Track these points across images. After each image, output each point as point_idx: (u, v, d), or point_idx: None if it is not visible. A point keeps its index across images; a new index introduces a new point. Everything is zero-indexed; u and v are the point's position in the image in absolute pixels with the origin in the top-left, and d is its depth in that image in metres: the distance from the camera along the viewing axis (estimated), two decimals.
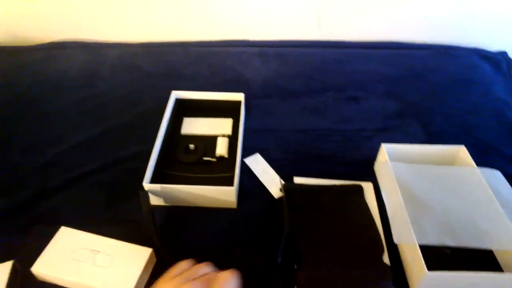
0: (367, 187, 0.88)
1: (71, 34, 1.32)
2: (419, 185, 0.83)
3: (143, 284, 0.69)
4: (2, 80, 1.15)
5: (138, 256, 0.70)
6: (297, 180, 0.88)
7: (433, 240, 0.71)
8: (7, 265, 0.71)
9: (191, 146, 0.95)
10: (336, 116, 1.07)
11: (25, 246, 0.75)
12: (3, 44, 1.32)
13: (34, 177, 0.89)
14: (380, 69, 1.25)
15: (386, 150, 0.88)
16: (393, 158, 0.87)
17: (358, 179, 0.89)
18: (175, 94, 1.03)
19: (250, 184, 0.88)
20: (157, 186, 0.80)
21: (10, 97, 1.09)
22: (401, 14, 1.33)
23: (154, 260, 0.73)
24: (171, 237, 0.78)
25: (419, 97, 1.16)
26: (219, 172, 0.90)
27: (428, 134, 1.03)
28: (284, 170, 0.91)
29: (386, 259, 0.73)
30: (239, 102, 1.03)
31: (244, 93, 1.03)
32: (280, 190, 0.86)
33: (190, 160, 0.92)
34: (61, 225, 0.75)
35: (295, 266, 0.72)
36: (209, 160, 0.92)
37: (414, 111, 1.10)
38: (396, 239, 0.73)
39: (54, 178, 0.88)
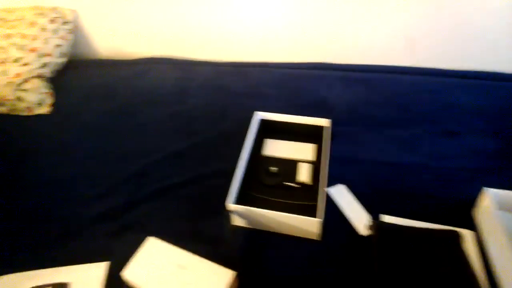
0: (467, 235, 0.79)
1: (166, 51, 1.41)
2: None
3: None
4: (104, 91, 1.26)
5: (221, 278, 0.70)
6: (385, 218, 0.83)
7: None
8: (103, 266, 0.76)
9: (273, 168, 0.95)
10: (430, 151, 0.99)
11: (116, 251, 0.80)
12: (106, 58, 1.46)
13: (126, 185, 0.95)
14: (479, 101, 1.14)
15: (490, 196, 0.79)
16: (498, 205, 0.78)
17: (453, 224, 0.81)
18: (259, 115, 1.04)
19: (333, 215, 0.84)
20: (241, 208, 0.80)
21: (110, 107, 1.19)
22: (503, 42, 1.21)
23: (236, 283, 0.72)
24: (252, 261, 0.77)
25: None
26: (301, 199, 0.87)
27: None
28: (369, 205, 0.86)
29: None
30: (323, 128, 1.01)
31: (328, 118, 1.01)
32: (369, 228, 0.81)
33: (271, 183, 0.92)
34: (149, 236, 0.79)
35: None
36: (291, 186, 0.91)
37: None
38: None
39: (143, 188, 0.93)
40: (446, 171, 0.93)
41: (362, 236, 0.80)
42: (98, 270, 0.76)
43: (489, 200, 0.78)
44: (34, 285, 0.74)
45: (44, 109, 1.20)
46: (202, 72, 1.31)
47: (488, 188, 0.80)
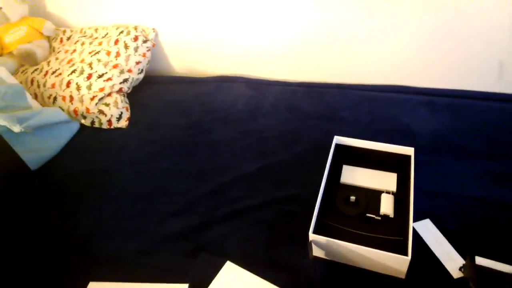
0: None
1: (238, 70, 1.44)
2: None
3: None
4: (178, 107, 1.30)
5: None
6: (481, 261, 0.75)
7: None
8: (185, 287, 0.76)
9: (352, 198, 0.90)
10: None
11: (191, 272, 0.80)
12: (180, 75, 1.51)
13: (201, 204, 0.95)
14: None
15: None
16: None
17: None
18: (336, 140, 1.01)
19: (420, 253, 0.78)
20: (323, 239, 0.77)
21: (185, 124, 1.22)
22: None
23: None
24: None
25: None
26: (383, 233, 0.82)
27: None
28: (459, 244, 0.79)
29: None
30: (406, 156, 0.95)
31: (410, 145, 0.95)
32: (461, 269, 0.74)
33: (351, 213, 0.87)
34: (226, 259, 0.78)
35: None
36: (373, 218, 0.86)
37: None
38: None
39: (218, 208, 0.94)
40: None
41: (453, 279, 0.74)
42: None
43: None
44: None
45: (123, 123, 1.27)
46: (274, 91, 1.31)
47: None
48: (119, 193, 1.02)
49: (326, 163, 0.93)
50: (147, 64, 1.41)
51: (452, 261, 0.76)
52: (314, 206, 0.83)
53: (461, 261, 0.76)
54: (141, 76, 1.40)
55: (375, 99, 1.22)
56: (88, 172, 1.10)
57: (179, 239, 0.88)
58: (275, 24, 1.30)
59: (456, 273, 0.74)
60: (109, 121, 1.26)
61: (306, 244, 0.79)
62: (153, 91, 1.39)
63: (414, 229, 0.83)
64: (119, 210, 0.97)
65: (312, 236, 0.78)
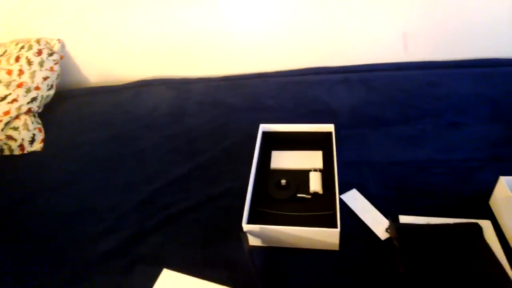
0: (486, 226, 0.77)
1: (157, 71, 1.39)
2: None
3: None
4: (97, 119, 1.23)
5: None
6: (404, 219, 0.81)
7: None
8: None
9: (283, 181, 0.92)
10: (438, 145, 0.97)
11: (130, 286, 0.77)
12: (96, 85, 1.42)
13: (132, 216, 0.91)
14: (480, 89, 1.13)
15: (507, 184, 0.77)
16: None
17: (471, 216, 0.79)
18: (262, 127, 1.02)
19: (350, 222, 0.82)
20: (256, 227, 0.77)
21: (107, 136, 1.15)
22: (494, 28, 1.21)
23: None
24: (273, 281, 0.74)
25: None
26: (315, 210, 0.85)
27: None
28: (386, 208, 0.84)
29: None
30: (328, 133, 0.98)
31: (331, 123, 0.98)
32: (387, 231, 0.79)
33: (283, 197, 0.89)
34: (163, 267, 0.75)
35: None
36: (303, 197, 0.88)
37: None
38: None
39: (151, 217, 0.90)
40: (456, 164, 0.92)
41: (381, 241, 0.78)
42: None
43: (504, 188, 0.76)
44: None
45: (37, 146, 1.16)
46: (196, 89, 1.28)
47: (504, 177, 0.78)
48: (41, 222, 0.93)
49: (254, 155, 0.93)
50: (56, 79, 1.30)
51: (379, 224, 0.81)
52: (245, 203, 0.82)
53: (387, 224, 0.81)
54: (52, 92, 1.29)
55: (295, 83, 1.25)
56: (3, 205, 0.99)
57: (112, 257, 0.83)
58: (188, 18, 1.26)
59: (383, 235, 0.79)
60: (21, 146, 1.15)
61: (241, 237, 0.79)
62: (68, 106, 1.29)
63: (342, 201, 0.86)
64: (43, 240, 0.89)
65: (245, 227, 0.78)
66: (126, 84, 1.37)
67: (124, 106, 1.25)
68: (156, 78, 1.37)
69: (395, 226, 0.76)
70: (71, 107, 1.28)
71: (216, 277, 0.71)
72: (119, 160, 1.07)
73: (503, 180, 0.78)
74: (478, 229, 0.76)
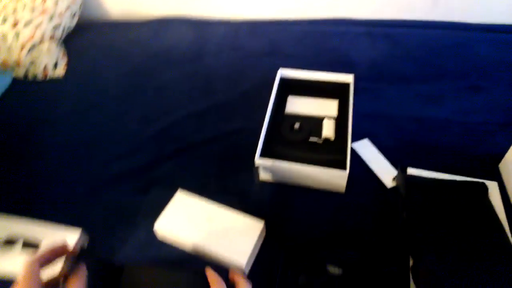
0: (492, 187, 0.78)
1: (178, 10, 1.37)
2: None
3: (255, 255, 0.71)
4: (118, 53, 1.24)
5: (251, 228, 0.71)
6: (412, 171, 0.82)
7: None
8: (77, 232, 0.75)
9: (297, 125, 0.94)
10: (455, 106, 0.97)
11: (143, 206, 0.82)
12: (116, 20, 1.42)
13: (149, 144, 0.95)
14: (504, 55, 1.10)
15: None
16: None
17: (479, 177, 0.80)
18: (281, 72, 1.02)
19: (358, 170, 0.84)
20: (268, 161, 0.80)
21: (126, 69, 1.17)
22: None
23: (264, 232, 0.74)
24: (279, 213, 0.78)
25: None
26: (325, 154, 0.87)
27: None
28: (394, 159, 0.85)
29: None
30: (346, 84, 0.98)
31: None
32: (394, 180, 0.81)
33: (296, 139, 0.91)
34: (178, 188, 0.80)
35: (412, 259, 0.68)
36: (315, 142, 0.90)
37: None
38: None
39: (167, 146, 0.94)
40: (472, 126, 0.92)
41: (388, 189, 0.81)
42: (70, 237, 0.74)
43: None
44: (9, 234, 0.74)
45: (59, 72, 1.19)
46: (217, 31, 1.28)
47: None
48: (61, 141, 0.98)
49: (271, 98, 0.94)
50: (79, 9, 1.31)
51: (387, 174, 0.83)
52: (259, 139, 0.85)
53: (395, 174, 0.83)
54: (74, 21, 1.30)
55: (317, 33, 1.24)
56: (25, 124, 1.04)
57: (128, 178, 0.88)
58: None
59: (389, 183, 0.81)
60: (45, 71, 1.18)
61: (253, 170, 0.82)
62: (90, 37, 1.30)
63: (352, 150, 0.88)
64: (62, 157, 0.94)
65: (258, 161, 0.81)
66: (147, 21, 1.36)
67: (144, 42, 1.26)
68: (177, 17, 1.36)
69: (403, 175, 0.78)
70: (92, 38, 1.30)
71: (226, 202, 0.76)
72: (137, 92, 1.09)
73: None
74: (484, 188, 0.77)
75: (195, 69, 1.15)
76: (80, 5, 1.32)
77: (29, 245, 0.74)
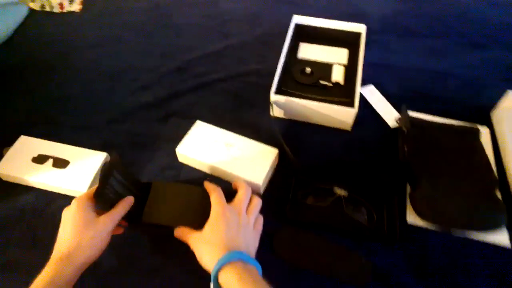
0: (484, 131, 0.87)
1: None
2: None
3: (268, 179, 0.79)
4: None
5: (266, 154, 0.79)
6: (413, 114, 0.90)
7: None
8: (104, 155, 0.81)
9: (308, 69, 0.99)
10: (457, 60, 1.03)
11: (165, 132, 0.88)
12: None
13: (169, 79, 1.00)
14: (507, 17, 1.16)
15: None
16: None
17: (473, 122, 0.88)
18: (296, 19, 1.06)
19: (364, 111, 0.90)
20: (282, 98, 0.86)
21: (145, 7, 1.20)
22: None
23: (277, 160, 0.81)
24: (290, 145, 0.83)
25: None
26: (335, 96, 0.93)
27: None
28: (398, 104, 0.92)
29: (499, 196, 0.75)
30: (357, 34, 1.03)
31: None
32: (397, 121, 0.88)
33: (307, 82, 0.97)
34: (196, 119, 0.86)
35: (410, 189, 0.77)
36: (326, 85, 0.96)
37: None
38: None
39: (185, 81, 0.99)
40: (469, 79, 0.99)
41: (391, 129, 0.88)
42: (97, 158, 0.80)
43: (511, 99, 0.85)
44: (40, 153, 0.80)
45: (76, 7, 1.20)
46: None
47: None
48: (83, 73, 1.02)
49: (285, 43, 0.99)
50: None
51: (390, 115, 0.90)
52: (274, 78, 0.90)
53: (398, 116, 0.90)
54: None
55: None
56: (46, 55, 1.07)
57: (149, 108, 0.93)
58: None
59: (392, 124, 0.89)
60: (61, 4, 1.19)
61: (269, 107, 0.88)
62: None
63: (360, 94, 0.95)
64: (85, 87, 0.99)
65: (273, 97, 0.87)
66: None
67: None
68: None
69: (406, 113, 0.85)
70: None
71: (241, 133, 0.83)
72: (156, 30, 1.13)
73: (510, 93, 0.86)
74: (476, 131, 0.86)
75: (211, 12, 1.18)
76: None
77: (59, 163, 0.79)
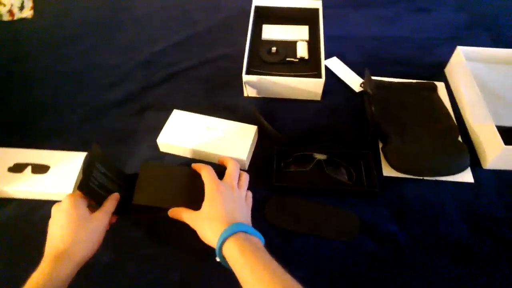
0: (440, 86, 0.95)
1: None
2: (493, 80, 0.90)
3: (251, 154, 0.82)
4: None
5: (246, 131, 0.82)
6: (375, 78, 0.96)
7: (509, 122, 0.80)
8: (83, 155, 0.80)
9: (273, 48, 1.03)
10: (408, 25, 1.11)
11: (141, 126, 0.88)
12: None
13: (138, 72, 1.00)
14: None
15: (462, 52, 0.93)
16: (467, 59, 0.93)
17: (430, 79, 0.96)
18: (256, 1, 1.09)
19: (330, 81, 0.96)
20: (254, 77, 0.89)
21: (100, 4, 1.18)
22: None
23: (257, 136, 0.84)
24: (266, 120, 0.87)
25: (488, 10, 1.18)
26: (302, 71, 0.98)
27: (497, 45, 1.07)
28: (360, 71, 0.98)
29: (460, 140, 0.83)
30: (314, 10, 1.08)
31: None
32: (361, 85, 0.94)
33: (274, 60, 1.01)
34: (173, 109, 0.87)
35: (381, 145, 0.83)
36: (292, 61, 1.00)
37: (484, 23, 1.13)
38: (475, 120, 0.82)
39: (155, 73, 0.99)
40: (422, 41, 1.08)
41: (356, 93, 0.94)
42: (78, 158, 0.79)
43: (460, 54, 0.93)
44: (17, 162, 0.77)
45: (27, 13, 1.16)
46: None
47: (461, 46, 0.94)
48: (46, 75, 1.00)
49: (248, 25, 1.02)
50: None
51: (355, 82, 0.96)
52: (243, 61, 0.93)
53: (361, 81, 0.96)
54: None
55: None
56: (2, 63, 1.03)
57: (122, 104, 0.93)
58: None
59: (358, 89, 0.95)
60: (10, 12, 1.14)
61: (242, 88, 0.91)
62: None
63: (325, 66, 1.00)
64: (50, 89, 0.96)
65: (245, 77, 0.90)
66: None
67: None
68: None
69: (370, 77, 0.91)
70: None
71: (219, 116, 0.85)
72: (115, 25, 1.12)
73: (459, 49, 0.94)
74: (434, 86, 0.94)
75: (170, 2, 1.18)
76: None
77: (39, 169, 0.77)
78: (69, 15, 1.16)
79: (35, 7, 1.17)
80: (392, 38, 1.08)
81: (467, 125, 0.87)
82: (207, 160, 0.81)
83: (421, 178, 0.78)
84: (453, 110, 0.89)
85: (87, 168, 0.64)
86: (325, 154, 0.79)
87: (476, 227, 0.71)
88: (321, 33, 0.99)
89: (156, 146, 0.82)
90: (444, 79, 0.97)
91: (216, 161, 0.76)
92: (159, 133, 0.82)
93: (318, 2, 1.07)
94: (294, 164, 0.80)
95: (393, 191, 0.76)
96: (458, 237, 0.69)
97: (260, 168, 0.80)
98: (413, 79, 0.96)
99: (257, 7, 1.09)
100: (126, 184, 0.71)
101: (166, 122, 0.84)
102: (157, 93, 0.95)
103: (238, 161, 0.76)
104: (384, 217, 0.73)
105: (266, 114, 0.89)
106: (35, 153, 0.80)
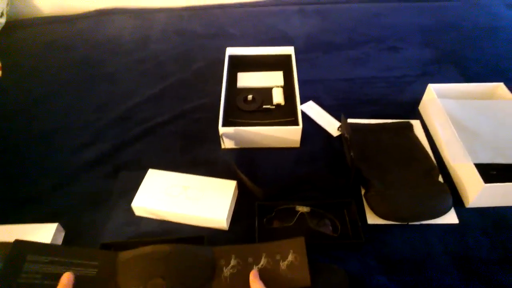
0: (416, 124, 0.96)
1: (114, 2, 1.37)
2: (466, 117, 0.91)
3: (232, 212, 0.79)
4: (59, 45, 1.21)
5: (225, 188, 0.79)
6: (351, 121, 0.96)
7: (486, 159, 0.80)
8: (54, 226, 0.75)
9: (249, 96, 1.03)
10: (379, 65, 1.14)
11: (116, 189, 0.84)
12: (51, 14, 1.37)
13: (111, 131, 0.97)
14: (416, 20, 1.32)
15: (433, 89, 0.95)
16: (439, 96, 0.95)
17: (405, 118, 0.97)
18: (229, 51, 1.10)
19: (308, 126, 0.95)
20: (231, 129, 0.88)
21: (71, 61, 1.16)
22: None
23: (237, 191, 0.82)
24: (246, 172, 0.84)
25: (453, 45, 1.23)
26: (279, 118, 0.97)
27: (464, 78, 1.10)
28: (336, 114, 0.99)
29: (441, 180, 0.83)
30: (287, 56, 1.10)
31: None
32: (338, 129, 0.94)
33: (251, 108, 1.00)
34: (147, 169, 0.84)
35: (363, 191, 0.81)
36: (268, 108, 1.00)
37: (450, 57, 1.17)
38: (452, 160, 0.82)
39: (128, 130, 0.96)
40: (393, 79, 1.10)
41: (334, 137, 0.94)
42: (48, 230, 0.74)
43: (432, 92, 0.94)
44: None
45: None
46: (158, 18, 1.31)
47: (432, 84, 0.96)
48: (12, 141, 0.95)
49: (223, 74, 1.02)
50: (6, 6, 1.25)
51: (332, 126, 0.96)
52: (219, 110, 0.92)
53: (338, 124, 0.96)
54: (3, 20, 1.24)
55: (255, 14, 1.35)
56: None
57: (94, 165, 0.89)
58: None
59: (335, 133, 0.94)
60: None
61: (219, 140, 0.89)
62: (23, 35, 1.25)
63: (301, 110, 1.00)
64: (17, 155, 0.92)
65: (221, 130, 0.88)
66: (83, 13, 1.34)
67: (85, 34, 1.25)
68: (113, 8, 1.36)
69: (347, 122, 0.91)
70: (26, 35, 1.25)
71: (196, 172, 0.83)
72: (88, 82, 1.10)
73: (430, 87, 0.96)
74: (410, 125, 0.95)
75: (143, 56, 1.18)
76: (8, 2, 1.25)
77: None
78: (41, 73, 1.13)
79: (3, 67, 1.15)
80: (364, 78, 1.10)
81: (446, 164, 0.87)
82: (185, 223, 0.77)
83: (407, 223, 0.76)
84: (431, 149, 0.90)
85: (12, 267, 0.56)
86: (308, 206, 0.77)
87: (468, 271, 0.69)
88: (295, 79, 0.99)
89: (132, 210, 0.79)
90: (419, 116, 0.99)
91: (194, 223, 0.73)
92: (134, 194, 0.78)
93: (291, 48, 1.09)
94: (277, 219, 0.78)
95: (379, 239, 0.74)
96: (451, 284, 0.67)
97: (243, 225, 0.76)
98: (388, 118, 0.97)
99: (231, 56, 1.10)
100: (97, 261, 0.62)
101: (141, 184, 0.81)
102: (132, 151, 0.92)
103: (216, 222, 0.73)
104: (372, 268, 0.70)
105: (245, 165, 0.87)
106: (2, 229, 0.74)
